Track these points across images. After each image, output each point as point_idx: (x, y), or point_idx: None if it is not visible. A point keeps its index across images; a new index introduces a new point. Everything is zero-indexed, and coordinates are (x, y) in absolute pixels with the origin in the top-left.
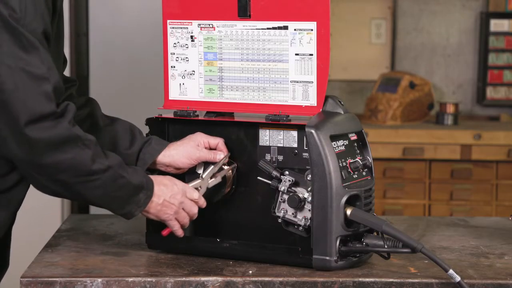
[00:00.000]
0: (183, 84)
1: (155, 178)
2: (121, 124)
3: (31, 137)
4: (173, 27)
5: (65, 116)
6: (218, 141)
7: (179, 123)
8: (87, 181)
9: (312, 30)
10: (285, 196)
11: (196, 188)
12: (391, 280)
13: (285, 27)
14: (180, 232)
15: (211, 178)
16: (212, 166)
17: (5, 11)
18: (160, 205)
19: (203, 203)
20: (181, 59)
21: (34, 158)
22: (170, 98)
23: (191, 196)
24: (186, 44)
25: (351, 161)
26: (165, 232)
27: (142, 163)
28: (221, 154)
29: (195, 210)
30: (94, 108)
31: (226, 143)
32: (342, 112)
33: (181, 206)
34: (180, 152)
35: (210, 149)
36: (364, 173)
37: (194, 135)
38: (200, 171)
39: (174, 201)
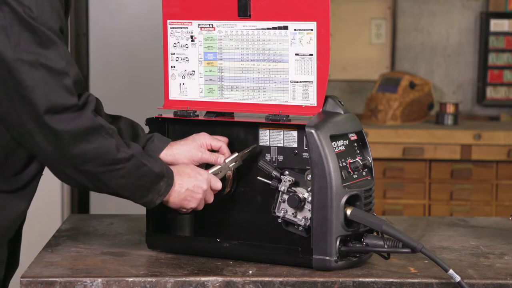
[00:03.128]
0: (183, 84)
1: (177, 168)
2: (123, 122)
3: (57, 129)
4: (173, 27)
5: (87, 107)
6: (221, 144)
7: (179, 123)
8: (112, 170)
9: (312, 30)
10: (285, 196)
11: (216, 174)
12: (391, 280)
13: (285, 27)
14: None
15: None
16: (236, 154)
17: (20, 9)
18: (183, 194)
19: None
20: (181, 59)
21: (60, 150)
22: (170, 98)
23: (215, 186)
24: (186, 44)
25: (351, 161)
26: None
27: None
28: (221, 158)
29: (212, 198)
30: (97, 107)
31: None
32: (342, 112)
33: (204, 195)
34: (182, 152)
35: (213, 151)
36: (364, 173)
37: (199, 135)
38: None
39: (199, 190)
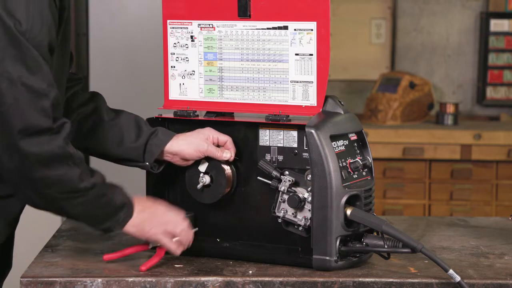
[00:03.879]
0: (183, 84)
1: (140, 200)
2: (126, 118)
3: (24, 150)
4: (173, 27)
5: (61, 133)
6: (227, 139)
7: (179, 123)
8: (72, 197)
9: (312, 30)
10: (285, 196)
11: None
12: (391, 280)
13: (285, 27)
14: (178, 252)
15: None
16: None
17: (10, 22)
18: (144, 225)
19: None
20: (181, 59)
21: (23, 171)
22: (170, 98)
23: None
24: (186, 44)
25: (351, 161)
26: (143, 268)
27: (150, 155)
28: (227, 153)
29: (186, 241)
30: (99, 103)
31: None
32: (342, 112)
33: (172, 232)
34: (188, 143)
35: (218, 146)
36: (364, 173)
37: (204, 129)
38: (202, 168)
39: (163, 224)
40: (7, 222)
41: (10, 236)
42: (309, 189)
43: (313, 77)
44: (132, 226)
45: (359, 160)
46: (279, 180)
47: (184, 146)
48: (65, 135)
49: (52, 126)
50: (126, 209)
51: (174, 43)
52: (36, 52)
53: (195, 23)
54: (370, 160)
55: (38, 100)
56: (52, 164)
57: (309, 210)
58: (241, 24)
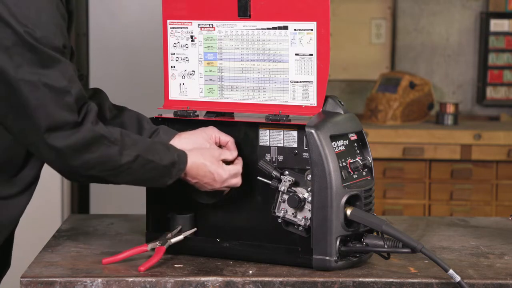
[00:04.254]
0: (183, 84)
1: (191, 154)
2: (128, 115)
3: (56, 146)
4: (173, 27)
5: (87, 119)
6: (228, 140)
7: (179, 123)
8: (117, 173)
9: (312, 30)
10: (285, 196)
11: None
12: (391, 280)
13: (285, 27)
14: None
15: None
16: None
17: (21, 29)
18: (199, 171)
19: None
20: (181, 59)
21: (63, 162)
22: (170, 98)
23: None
24: (186, 44)
25: (351, 161)
26: (142, 268)
27: None
28: (228, 153)
29: (235, 181)
30: (102, 100)
31: None
32: (342, 112)
33: (222, 174)
34: (191, 142)
35: (220, 146)
36: (364, 173)
37: (207, 128)
38: None
39: (213, 166)
40: (7, 223)
41: (9, 236)
42: (309, 189)
43: (313, 77)
44: (186, 176)
45: (359, 160)
46: (279, 180)
47: (187, 145)
48: (92, 118)
49: (77, 119)
50: (177, 165)
51: (174, 43)
52: (52, 52)
53: (195, 23)
54: (370, 160)
55: (61, 97)
56: (88, 148)
57: (309, 210)
58: (241, 24)
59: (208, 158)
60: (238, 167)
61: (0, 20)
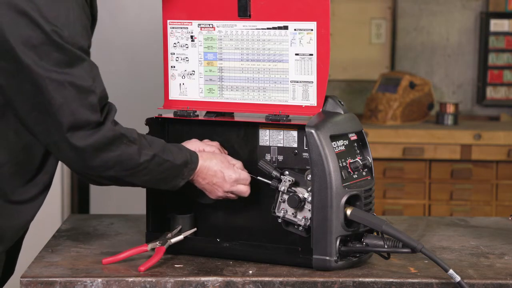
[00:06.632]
0: (183, 84)
1: (202, 155)
2: None
3: (78, 145)
4: (173, 27)
5: (108, 118)
6: (213, 150)
7: (179, 123)
8: (135, 172)
9: (312, 30)
10: (285, 196)
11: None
12: (391, 280)
13: (285, 27)
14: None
15: None
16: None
17: (49, 28)
18: (209, 175)
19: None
20: (181, 59)
21: (83, 162)
22: (170, 98)
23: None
24: (186, 44)
25: (351, 161)
26: (142, 268)
27: None
28: None
29: (244, 190)
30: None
31: (225, 144)
32: (342, 112)
33: (231, 180)
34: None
35: None
36: (364, 173)
37: (190, 142)
38: None
39: (224, 170)
40: (18, 228)
41: (17, 242)
42: (309, 189)
43: (313, 77)
44: (197, 177)
45: (359, 160)
46: (279, 180)
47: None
48: (112, 118)
49: (100, 119)
50: (189, 165)
51: (174, 43)
52: (79, 52)
53: (195, 23)
54: (370, 160)
55: (85, 97)
56: (108, 147)
57: (309, 210)
58: (241, 24)
59: (219, 158)
60: (248, 175)
61: (28, 18)
